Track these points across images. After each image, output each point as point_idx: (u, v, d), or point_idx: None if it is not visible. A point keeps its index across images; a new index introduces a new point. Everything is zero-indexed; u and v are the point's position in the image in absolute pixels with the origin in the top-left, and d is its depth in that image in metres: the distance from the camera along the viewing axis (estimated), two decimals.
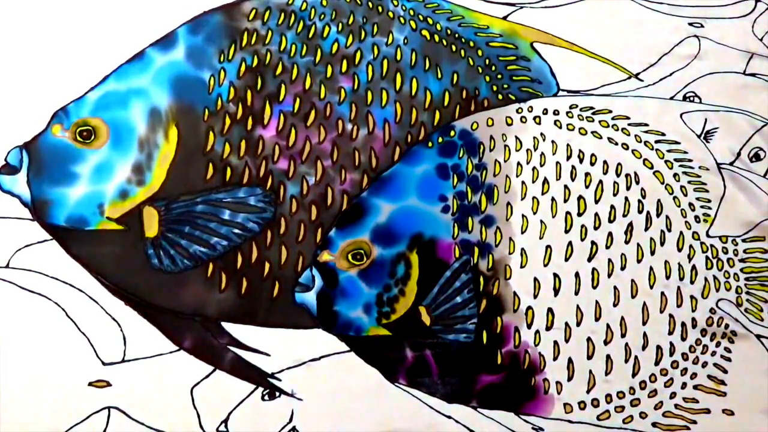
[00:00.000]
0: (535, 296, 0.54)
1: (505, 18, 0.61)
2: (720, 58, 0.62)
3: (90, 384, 0.51)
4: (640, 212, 0.56)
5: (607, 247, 0.56)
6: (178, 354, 0.52)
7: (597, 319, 0.54)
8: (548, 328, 0.54)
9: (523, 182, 0.56)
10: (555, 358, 0.54)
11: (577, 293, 0.55)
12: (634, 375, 0.54)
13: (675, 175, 0.57)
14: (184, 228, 0.54)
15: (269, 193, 0.55)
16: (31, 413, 0.50)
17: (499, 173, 0.56)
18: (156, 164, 0.54)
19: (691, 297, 0.55)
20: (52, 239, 0.53)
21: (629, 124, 0.58)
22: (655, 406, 0.54)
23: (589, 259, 0.55)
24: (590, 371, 0.54)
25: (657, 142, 0.57)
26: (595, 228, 0.56)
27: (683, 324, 0.55)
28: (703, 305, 0.55)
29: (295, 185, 0.55)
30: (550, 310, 0.54)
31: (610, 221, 0.56)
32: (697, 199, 0.57)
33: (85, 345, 0.51)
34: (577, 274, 0.55)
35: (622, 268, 0.55)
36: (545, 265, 0.55)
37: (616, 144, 0.57)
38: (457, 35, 0.60)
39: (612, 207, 0.56)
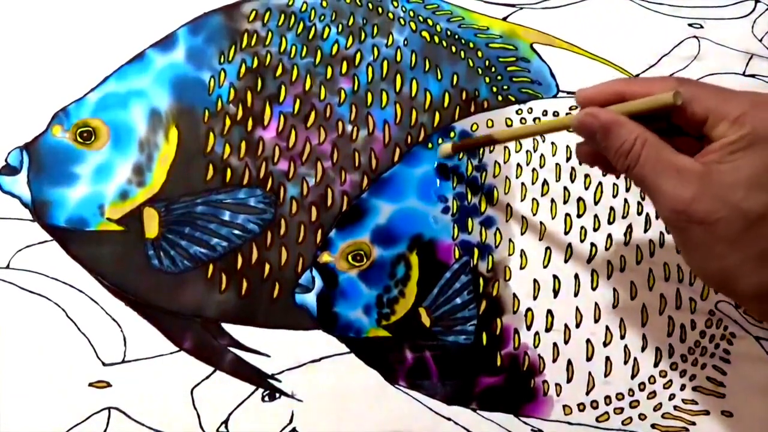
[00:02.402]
0: (535, 298, 0.55)
1: (505, 19, 0.61)
2: (720, 59, 0.62)
3: (90, 384, 0.51)
4: (639, 214, 0.57)
5: (607, 249, 0.56)
6: (178, 355, 0.52)
7: (596, 321, 0.55)
8: (548, 330, 0.54)
9: (522, 183, 0.56)
10: (554, 360, 0.54)
11: (576, 295, 0.55)
12: (633, 377, 0.54)
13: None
14: (184, 229, 0.54)
15: (269, 194, 0.55)
16: (31, 413, 0.50)
17: (498, 174, 0.56)
18: (156, 165, 0.54)
19: (690, 299, 0.55)
20: (53, 240, 0.53)
21: None
22: (654, 408, 0.54)
23: (589, 261, 0.56)
24: (589, 373, 0.54)
25: None
26: (595, 230, 0.56)
27: (682, 326, 0.55)
28: (702, 307, 0.55)
29: (295, 186, 0.55)
30: (549, 311, 0.55)
31: (609, 223, 0.56)
32: None
33: (85, 345, 0.51)
34: (576, 276, 0.55)
35: (622, 270, 0.56)
36: (545, 267, 0.55)
37: None
38: (457, 36, 0.60)
39: (611, 209, 0.56)
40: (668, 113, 0.43)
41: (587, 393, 0.54)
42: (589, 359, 0.54)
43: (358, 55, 0.58)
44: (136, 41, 0.57)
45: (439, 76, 0.59)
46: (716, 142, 0.41)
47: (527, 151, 0.57)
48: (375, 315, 0.53)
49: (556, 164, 0.57)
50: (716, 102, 0.41)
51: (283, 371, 0.52)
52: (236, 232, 0.54)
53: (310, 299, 0.53)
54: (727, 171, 0.40)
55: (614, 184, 0.57)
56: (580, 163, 0.56)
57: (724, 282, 0.41)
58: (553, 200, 0.56)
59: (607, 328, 0.54)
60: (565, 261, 0.56)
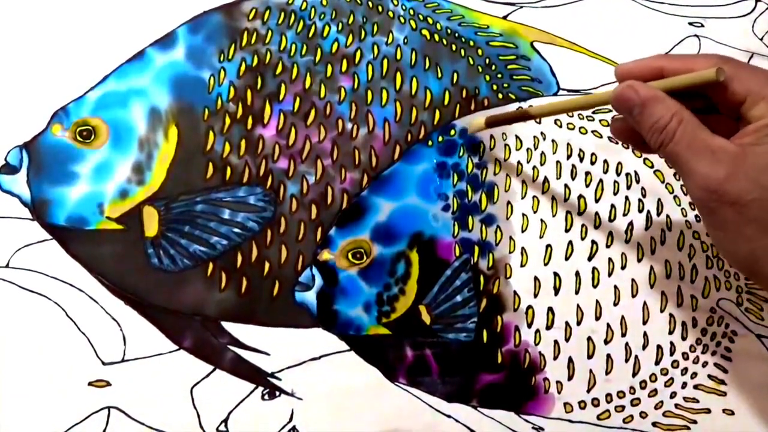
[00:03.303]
0: (536, 295, 0.54)
1: (505, 17, 0.61)
2: None
3: (90, 384, 0.51)
4: (640, 211, 0.56)
5: (608, 247, 0.56)
6: (178, 353, 0.52)
7: (597, 319, 0.54)
8: (548, 328, 0.54)
9: (523, 181, 0.56)
10: (555, 358, 0.54)
11: (577, 292, 0.55)
12: (634, 374, 0.54)
13: (675, 174, 0.57)
14: (184, 227, 0.54)
15: (269, 192, 0.55)
16: (31, 413, 0.50)
17: (499, 172, 0.56)
18: (156, 164, 0.54)
19: (692, 296, 0.55)
20: (52, 239, 0.53)
21: None
22: (655, 406, 0.54)
23: (590, 258, 0.55)
24: (590, 371, 0.54)
25: None
26: (596, 227, 0.56)
27: (684, 323, 0.55)
28: (704, 304, 0.55)
29: (295, 184, 0.55)
30: (550, 309, 0.54)
31: (610, 220, 0.56)
32: None
33: (84, 344, 0.51)
34: (577, 273, 0.55)
35: (623, 268, 0.55)
36: (545, 264, 0.55)
37: (617, 143, 0.57)
38: (457, 35, 0.60)
39: (612, 206, 0.56)
40: (707, 92, 0.43)
41: (588, 391, 0.53)
42: (590, 357, 0.54)
43: (358, 54, 0.58)
44: (135, 40, 0.57)
45: (440, 74, 0.59)
46: (753, 124, 0.41)
47: (528, 149, 0.57)
48: (375, 313, 0.53)
49: (557, 162, 0.57)
50: (757, 83, 0.41)
51: (282, 369, 0.52)
52: (236, 230, 0.54)
53: (310, 297, 0.53)
54: (763, 153, 0.40)
55: (615, 181, 0.57)
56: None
57: (752, 265, 0.41)
58: (553, 198, 0.56)
59: (608, 325, 0.54)
60: (566, 258, 0.55)
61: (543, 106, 0.51)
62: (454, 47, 0.59)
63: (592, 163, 0.57)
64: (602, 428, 0.53)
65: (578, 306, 0.55)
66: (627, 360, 0.54)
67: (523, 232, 0.55)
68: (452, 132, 0.57)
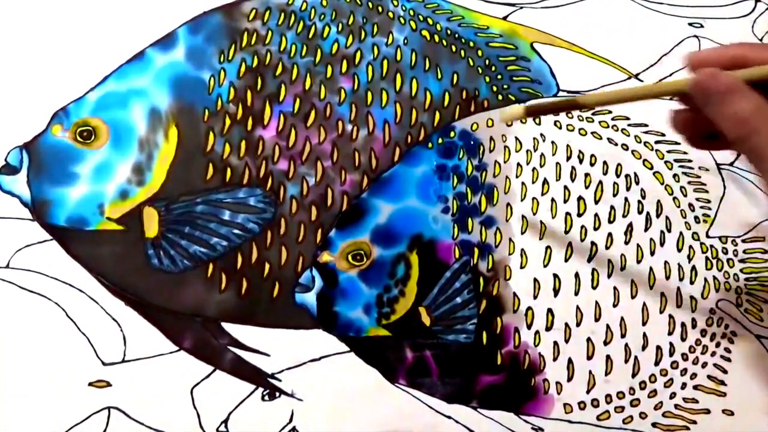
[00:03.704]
0: (535, 297, 0.54)
1: (505, 18, 0.61)
2: None
3: (90, 384, 0.51)
4: (639, 213, 0.56)
5: (607, 248, 0.56)
6: (178, 354, 0.52)
7: (597, 320, 0.54)
8: (548, 329, 0.54)
9: (523, 183, 0.56)
10: (555, 359, 0.54)
11: (576, 294, 0.55)
12: (634, 375, 0.54)
13: (675, 175, 0.57)
14: (184, 228, 0.54)
15: (269, 193, 0.55)
16: (31, 413, 0.50)
17: (499, 174, 0.56)
18: (156, 164, 0.54)
19: (691, 297, 0.55)
20: (52, 239, 0.53)
21: (629, 125, 0.58)
22: (655, 407, 0.54)
23: (589, 260, 0.55)
24: (590, 371, 0.54)
25: (657, 142, 0.58)
26: (595, 228, 0.56)
27: (683, 324, 0.55)
28: (703, 306, 0.55)
29: (295, 186, 0.55)
30: (549, 310, 0.54)
31: (609, 222, 0.56)
32: (697, 199, 0.57)
33: (85, 345, 0.51)
34: (577, 275, 0.55)
35: (622, 269, 0.55)
36: (545, 266, 0.55)
37: (616, 144, 0.57)
38: (457, 35, 0.60)
39: (612, 207, 0.56)
40: None
41: (588, 391, 0.53)
42: (589, 358, 0.54)
43: (358, 54, 0.58)
44: (136, 40, 0.57)
45: (439, 76, 0.59)
46: None
47: (527, 151, 0.57)
48: (375, 314, 0.53)
49: (557, 163, 0.57)
50: None
51: (282, 370, 0.52)
52: (236, 231, 0.54)
53: (310, 299, 0.53)
54: None
55: (615, 183, 0.57)
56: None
57: None
58: (553, 199, 0.56)
59: (608, 326, 0.54)
60: (566, 260, 0.55)
61: (595, 95, 0.48)
62: (454, 48, 0.59)
63: (592, 165, 0.57)
64: (602, 429, 0.53)
65: (578, 307, 0.55)
66: (626, 361, 0.54)
67: (522, 233, 0.55)
68: (452, 134, 0.57)
